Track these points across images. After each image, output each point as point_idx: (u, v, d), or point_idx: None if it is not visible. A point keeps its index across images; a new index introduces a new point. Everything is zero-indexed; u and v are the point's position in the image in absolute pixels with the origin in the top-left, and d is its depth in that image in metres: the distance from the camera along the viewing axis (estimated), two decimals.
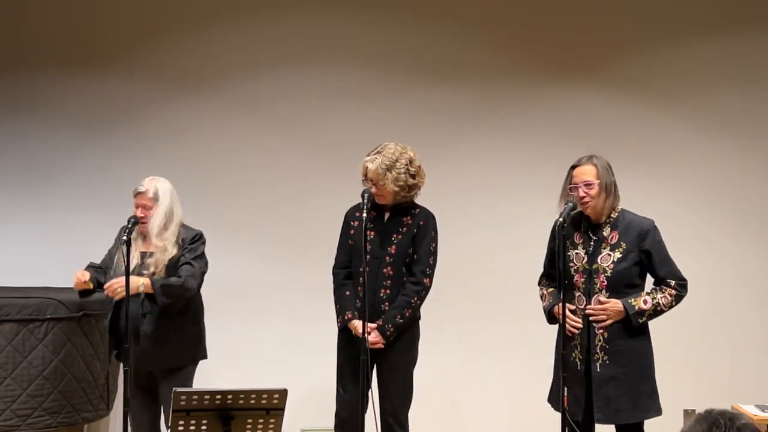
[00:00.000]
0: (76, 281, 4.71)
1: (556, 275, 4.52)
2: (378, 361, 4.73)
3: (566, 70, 6.27)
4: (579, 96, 6.29)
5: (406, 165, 4.69)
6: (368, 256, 4.61)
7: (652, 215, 4.62)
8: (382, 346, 4.65)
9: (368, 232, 4.69)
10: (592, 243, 4.50)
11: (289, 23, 6.26)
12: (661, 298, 4.48)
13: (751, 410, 4.92)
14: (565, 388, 4.29)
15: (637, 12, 6.28)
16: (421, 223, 4.78)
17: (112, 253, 4.87)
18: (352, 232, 4.82)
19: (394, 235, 4.72)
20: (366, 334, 4.50)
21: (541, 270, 4.82)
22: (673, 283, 4.49)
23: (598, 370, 4.42)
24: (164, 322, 4.68)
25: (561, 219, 4.31)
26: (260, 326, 6.19)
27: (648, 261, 4.50)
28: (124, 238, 4.40)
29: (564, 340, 4.41)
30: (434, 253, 4.80)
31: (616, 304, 4.44)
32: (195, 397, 3.86)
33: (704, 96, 6.29)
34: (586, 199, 4.47)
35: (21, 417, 5.07)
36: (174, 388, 3.94)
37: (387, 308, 4.68)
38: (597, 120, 6.26)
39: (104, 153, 6.22)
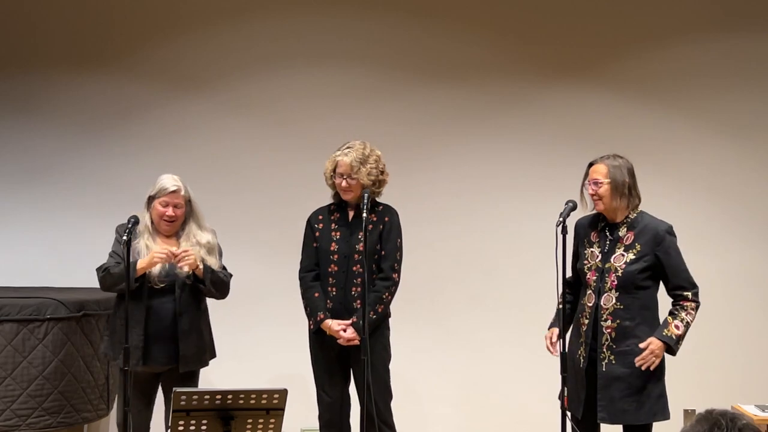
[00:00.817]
0: (168, 254, 4.53)
1: (577, 276, 4.57)
2: (353, 361, 4.77)
3: (566, 70, 6.27)
4: (579, 96, 6.28)
5: (376, 161, 4.81)
6: (336, 256, 4.77)
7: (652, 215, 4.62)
8: (358, 342, 4.68)
9: (335, 233, 4.81)
10: (608, 242, 4.50)
11: (289, 23, 6.26)
12: (686, 315, 4.44)
13: (751, 410, 4.92)
14: (565, 388, 4.29)
15: (637, 12, 6.28)
16: (386, 219, 4.84)
17: (121, 253, 4.64)
18: (317, 234, 4.88)
19: (361, 233, 4.73)
20: (346, 332, 4.70)
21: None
22: (689, 294, 4.45)
23: (604, 369, 4.40)
24: (196, 321, 4.68)
25: (560, 219, 4.31)
26: (260, 326, 6.19)
27: (661, 266, 4.45)
28: (125, 238, 4.35)
29: (567, 340, 4.41)
30: (401, 248, 4.86)
31: (654, 342, 4.38)
32: (195, 397, 3.86)
33: (704, 96, 6.29)
34: (594, 197, 4.48)
35: (21, 417, 5.07)
36: (174, 388, 3.94)
37: (359, 305, 4.71)
38: (597, 120, 6.26)
39: (104, 153, 6.21)
